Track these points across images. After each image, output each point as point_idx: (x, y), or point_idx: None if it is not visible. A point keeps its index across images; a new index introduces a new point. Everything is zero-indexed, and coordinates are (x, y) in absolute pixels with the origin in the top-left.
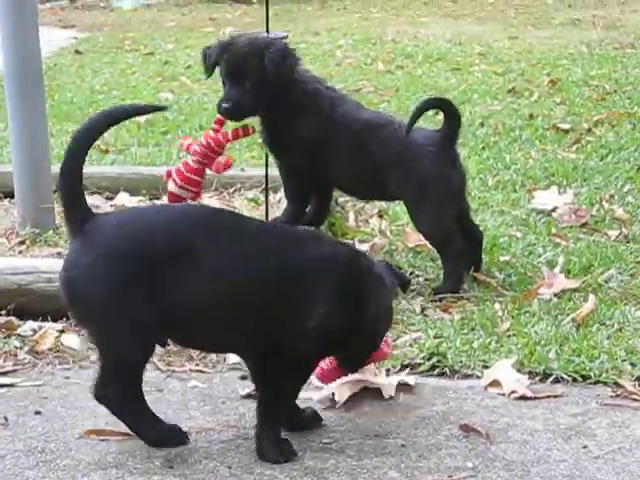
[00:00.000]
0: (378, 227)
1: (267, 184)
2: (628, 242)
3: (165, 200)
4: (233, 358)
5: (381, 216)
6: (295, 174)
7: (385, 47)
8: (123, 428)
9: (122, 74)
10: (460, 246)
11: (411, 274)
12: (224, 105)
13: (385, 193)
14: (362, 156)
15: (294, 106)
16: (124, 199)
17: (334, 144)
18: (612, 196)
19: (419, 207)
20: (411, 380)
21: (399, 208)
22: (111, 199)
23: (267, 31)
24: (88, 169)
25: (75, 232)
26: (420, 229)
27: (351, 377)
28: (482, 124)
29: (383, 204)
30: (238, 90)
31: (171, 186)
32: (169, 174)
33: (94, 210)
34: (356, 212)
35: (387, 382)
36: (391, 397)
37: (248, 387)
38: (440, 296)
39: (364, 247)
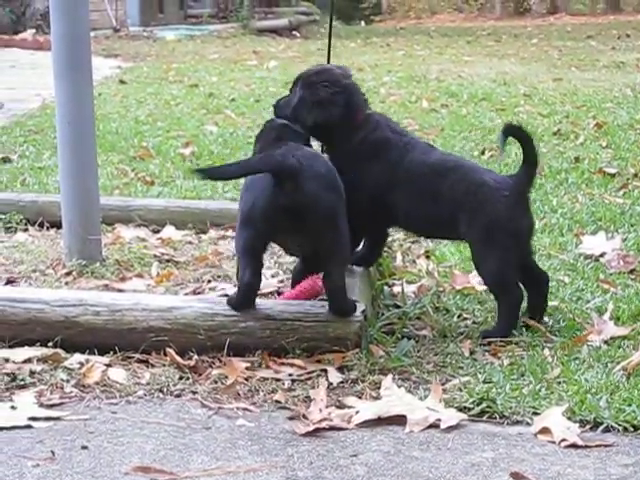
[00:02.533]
0: (425, 268)
1: None
2: None
3: (213, 233)
4: (280, 396)
5: (428, 257)
6: (353, 214)
7: (429, 85)
8: (169, 467)
9: (166, 105)
10: (517, 294)
11: (459, 317)
12: (278, 102)
13: (452, 233)
14: (431, 199)
15: (361, 150)
16: (170, 232)
17: (401, 189)
18: None
19: (483, 250)
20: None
21: (446, 249)
22: (157, 232)
23: (328, 63)
24: (135, 201)
25: None
26: (481, 272)
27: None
28: None
29: (430, 244)
30: (284, 100)
31: None
32: None
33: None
34: (403, 252)
35: (448, 413)
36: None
37: (297, 427)
38: (488, 340)
39: (411, 288)
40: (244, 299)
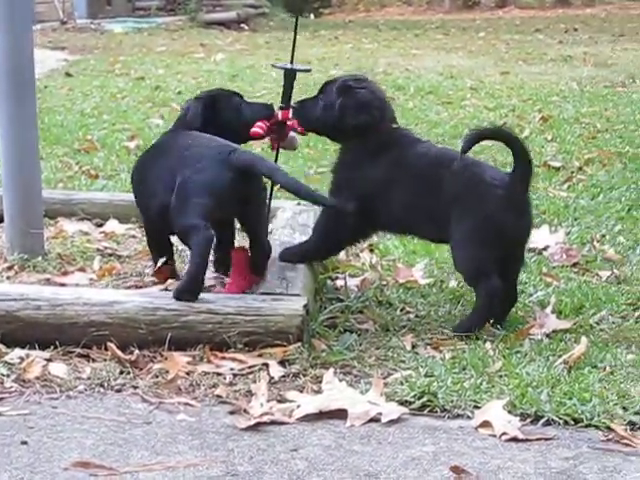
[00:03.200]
0: (369, 261)
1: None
2: (619, 283)
3: None
4: (221, 391)
5: (372, 250)
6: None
7: (376, 78)
8: (109, 462)
9: (112, 98)
10: (496, 289)
11: (402, 310)
12: (297, 104)
13: (442, 231)
14: (429, 191)
15: (366, 150)
16: (114, 226)
17: (399, 185)
18: (603, 236)
19: (465, 244)
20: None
21: (390, 242)
22: (101, 226)
23: (292, 61)
24: (78, 194)
25: None
26: (458, 266)
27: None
28: None
29: (374, 238)
30: (312, 101)
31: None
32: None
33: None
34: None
35: (389, 407)
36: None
37: (238, 421)
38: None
39: (355, 282)
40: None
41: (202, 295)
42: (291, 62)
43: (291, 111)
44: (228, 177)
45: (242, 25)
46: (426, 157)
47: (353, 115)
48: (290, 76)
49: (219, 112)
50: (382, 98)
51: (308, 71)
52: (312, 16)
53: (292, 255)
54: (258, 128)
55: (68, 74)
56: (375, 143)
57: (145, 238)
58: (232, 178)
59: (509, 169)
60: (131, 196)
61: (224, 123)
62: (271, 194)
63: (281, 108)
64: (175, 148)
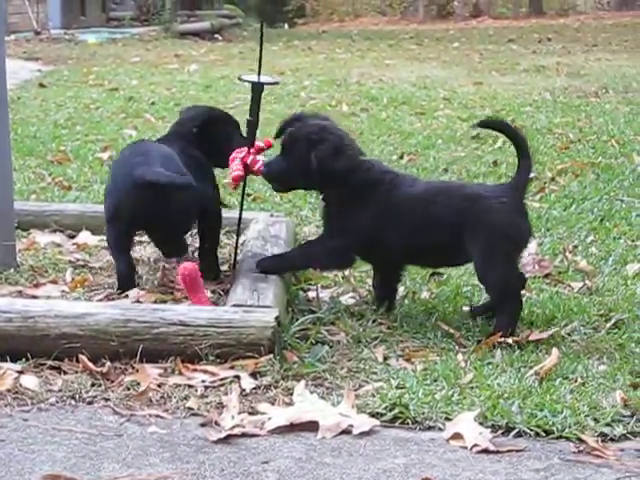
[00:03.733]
0: (341, 273)
1: (239, 226)
2: (591, 294)
3: None
4: (193, 403)
5: None
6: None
7: (349, 89)
8: (80, 474)
9: (86, 109)
10: (520, 300)
11: (373, 322)
12: (265, 168)
13: (461, 256)
14: (429, 229)
15: (352, 193)
16: (86, 238)
17: (398, 224)
18: (576, 247)
19: (487, 259)
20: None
21: None
22: (73, 237)
23: (259, 74)
24: (51, 206)
25: None
26: (485, 281)
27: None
28: (446, 170)
29: None
30: (279, 162)
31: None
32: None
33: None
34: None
35: (360, 419)
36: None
37: (209, 433)
38: (406, 345)
39: (327, 293)
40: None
41: (173, 307)
42: (258, 74)
43: (262, 172)
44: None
45: (216, 35)
46: (417, 189)
47: (332, 163)
48: (258, 89)
49: (211, 134)
50: (348, 135)
51: (276, 84)
52: (286, 26)
53: (269, 265)
54: (237, 171)
55: (42, 85)
56: (360, 182)
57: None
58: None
59: (481, 180)
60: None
61: (212, 145)
62: (241, 206)
63: (249, 122)
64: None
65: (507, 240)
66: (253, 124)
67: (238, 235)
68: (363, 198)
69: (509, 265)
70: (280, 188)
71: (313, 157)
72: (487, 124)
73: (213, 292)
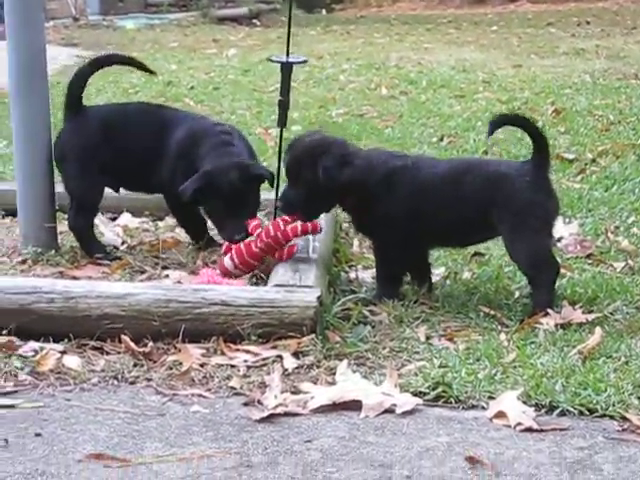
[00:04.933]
0: None
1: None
2: (634, 274)
3: (169, 221)
4: (235, 382)
5: None
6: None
7: (388, 72)
8: (123, 453)
9: (125, 93)
10: (553, 272)
11: (415, 302)
12: (278, 203)
13: (491, 232)
14: (457, 208)
15: (373, 190)
16: (127, 219)
17: (426, 208)
18: (617, 227)
19: (515, 236)
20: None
21: None
22: (114, 219)
23: (287, 54)
24: None
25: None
26: (515, 257)
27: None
28: (486, 152)
29: None
30: (292, 191)
31: (227, 262)
32: (228, 249)
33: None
34: (360, 239)
35: (403, 398)
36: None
37: (252, 413)
38: (448, 325)
39: (368, 274)
40: None
41: (215, 287)
42: (287, 54)
43: (279, 208)
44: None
45: (254, 21)
46: (441, 170)
47: (345, 169)
48: (287, 69)
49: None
50: (345, 141)
51: (304, 62)
52: (324, 11)
53: (380, 294)
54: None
55: None
56: (383, 176)
57: (159, 232)
58: None
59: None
60: None
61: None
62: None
63: (280, 102)
64: None
65: (535, 217)
66: (285, 104)
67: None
68: (390, 190)
69: (538, 241)
70: (305, 218)
71: (321, 171)
72: (495, 127)
73: (253, 276)
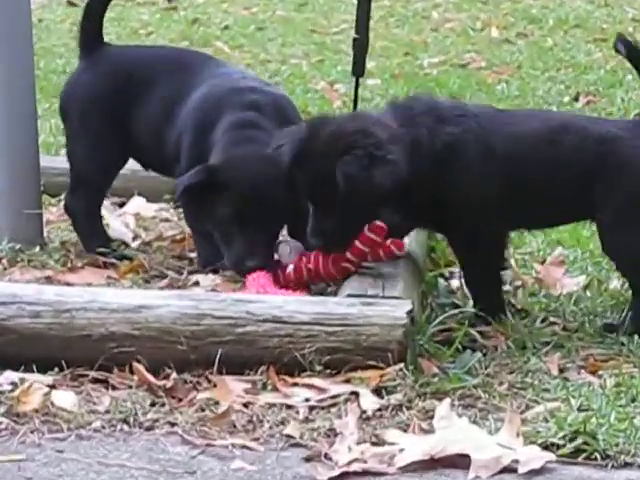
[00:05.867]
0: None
1: None
2: None
3: None
4: (293, 429)
5: None
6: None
7: (500, 7)
8: None
9: (134, 35)
10: None
11: (543, 321)
12: (312, 242)
13: (581, 213)
14: (551, 175)
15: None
16: (140, 205)
17: (509, 177)
18: None
19: (622, 226)
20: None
21: None
22: (122, 205)
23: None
24: None
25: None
26: (615, 254)
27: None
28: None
29: None
30: (321, 218)
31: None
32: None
33: None
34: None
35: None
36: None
37: (317, 471)
38: (589, 353)
39: None
40: None
41: (264, 297)
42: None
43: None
44: None
45: None
46: (527, 128)
47: (385, 179)
48: (365, 1)
49: None
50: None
51: None
52: None
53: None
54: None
55: (71, 2)
56: (445, 146)
57: (183, 222)
58: None
59: None
60: None
61: None
62: None
63: (355, 41)
64: None
65: None
66: (362, 44)
67: None
68: (461, 161)
69: None
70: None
71: (341, 181)
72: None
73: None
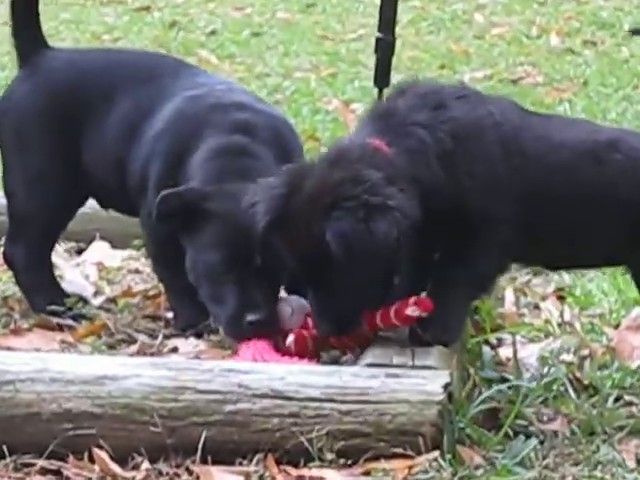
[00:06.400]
0: (557, 317)
1: None
2: None
3: None
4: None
5: (562, 297)
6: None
7: (560, 9)
8: None
9: (96, 41)
10: None
11: (617, 401)
12: (321, 330)
13: (614, 253)
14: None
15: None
16: (103, 252)
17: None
18: None
19: None
20: None
21: (594, 284)
22: (81, 251)
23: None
24: None
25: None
26: None
27: None
28: None
29: (566, 278)
30: (322, 298)
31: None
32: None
33: None
34: (517, 290)
35: None
36: None
37: None
38: None
39: (531, 350)
40: None
41: (261, 367)
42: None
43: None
44: None
45: None
46: (566, 136)
47: (390, 231)
48: None
49: None
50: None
51: None
52: None
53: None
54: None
55: None
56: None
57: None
58: None
59: None
60: None
61: None
62: None
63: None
64: None
65: None
66: (387, 45)
67: None
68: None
69: None
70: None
71: (333, 240)
72: None
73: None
